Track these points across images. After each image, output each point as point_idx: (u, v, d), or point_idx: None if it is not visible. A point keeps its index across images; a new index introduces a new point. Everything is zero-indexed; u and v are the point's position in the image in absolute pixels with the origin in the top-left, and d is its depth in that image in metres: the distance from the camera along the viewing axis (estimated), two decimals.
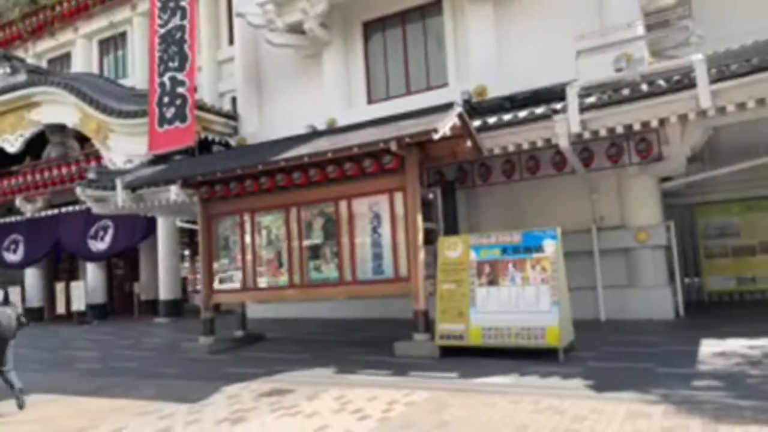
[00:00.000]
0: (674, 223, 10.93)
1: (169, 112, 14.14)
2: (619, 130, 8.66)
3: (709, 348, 7.14)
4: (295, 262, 9.34)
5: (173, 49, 14.35)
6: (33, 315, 20.03)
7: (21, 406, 6.57)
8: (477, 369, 6.74)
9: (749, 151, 10.45)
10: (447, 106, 8.37)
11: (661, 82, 8.34)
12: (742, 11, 11.11)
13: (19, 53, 21.90)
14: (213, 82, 17.22)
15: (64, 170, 18.41)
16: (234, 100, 16.30)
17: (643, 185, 10.49)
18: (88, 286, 18.67)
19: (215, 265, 10.19)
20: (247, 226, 9.87)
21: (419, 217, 8.30)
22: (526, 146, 9.36)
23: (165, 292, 17.23)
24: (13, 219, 20.26)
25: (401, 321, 9.98)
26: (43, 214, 19.51)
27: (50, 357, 10.89)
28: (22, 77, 18.24)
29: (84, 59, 21.31)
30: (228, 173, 9.23)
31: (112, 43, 21.24)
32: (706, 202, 13.03)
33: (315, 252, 9.23)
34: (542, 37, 11.26)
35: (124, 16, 20.06)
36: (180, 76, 14.11)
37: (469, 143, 8.76)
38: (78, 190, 14.04)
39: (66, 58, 22.36)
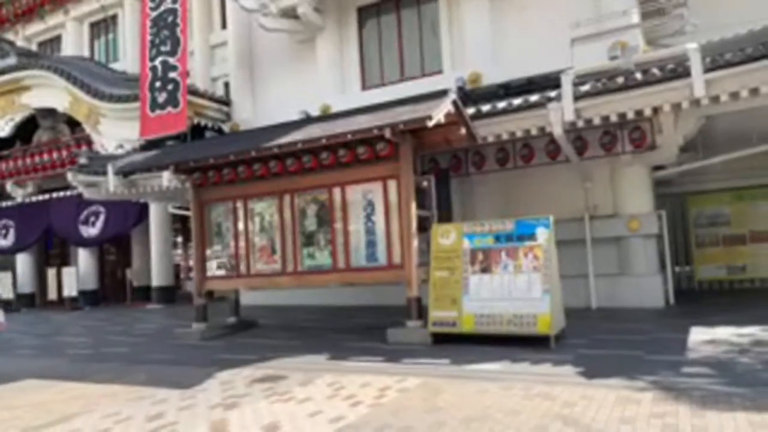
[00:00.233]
0: (666, 211, 11.00)
1: (161, 97, 14.01)
2: (613, 118, 8.68)
3: (699, 336, 7.22)
4: (288, 249, 9.33)
5: (165, 32, 14.18)
6: (24, 301, 20.01)
7: None
8: (469, 356, 6.79)
9: (742, 140, 10.49)
10: (441, 93, 8.33)
11: (656, 71, 8.34)
12: (737, 0, 11.08)
13: (9, 36, 21.56)
14: (205, 66, 17.04)
15: (54, 155, 18.26)
16: (227, 85, 16.18)
17: (636, 174, 10.53)
18: (79, 272, 18.60)
19: (208, 252, 10.16)
20: (240, 213, 9.83)
21: (413, 205, 8.30)
22: (520, 134, 9.36)
23: (157, 278, 17.21)
24: (3, 204, 20.12)
25: (394, 308, 10.02)
26: (33, 199, 19.38)
27: (42, 343, 10.87)
28: (11, 60, 17.99)
29: (74, 42, 21.02)
30: (221, 159, 9.18)
31: (103, 27, 20.96)
32: (697, 192, 13.11)
33: (308, 239, 9.22)
34: (537, 24, 11.22)
35: None
36: (172, 60, 13.96)
37: (463, 131, 8.75)
38: (69, 176, 13.93)
39: (56, 41, 22.06)
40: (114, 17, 20.40)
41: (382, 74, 13.36)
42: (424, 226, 8.70)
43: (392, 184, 8.51)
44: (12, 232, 19.88)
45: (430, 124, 7.51)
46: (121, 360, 8.41)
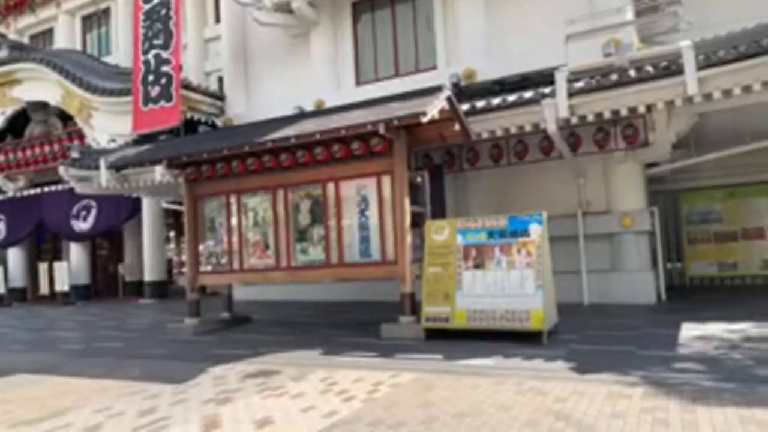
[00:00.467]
0: (658, 208, 11.07)
1: (154, 91, 13.94)
2: (607, 115, 8.71)
3: (690, 332, 7.27)
4: (281, 245, 9.32)
5: (158, 26, 14.09)
6: (16, 295, 19.89)
7: None
8: (462, 351, 6.81)
9: (734, 137, 10.56)
10: (436, 89, 8.33)
11: (649, 68, 8.36)
12: None
13: (0, 29, 21.36)
14: (199, 60, 16.93)
15: (46, 149, 18.12)
16: (220, 79, 16.10)
17: (629, 171, 10.57)
18: (71, 267, 18.48)
19: (201, 247, 10.13)
20: (234, 208, 9.80)
21: (407, 201, 8.29)
22: (514, 130, 9.38)
23: (150, 273, 17.13)
24: None
25: (388, 304, 10.03)
26: (25, 193, 19.23)
27: (34, 338, 10.81)
28: (3, 53, 17.84)
29: (66, 35, 20.85)
30: (214, 154, 9.14)
31: (96, 20, 20.79)
32: (690, 189, 13.20)
33: (302, 234, 9.20)
34: (532, 20, 11.23)
35: None
36: (165, 54, 13.88)
37: (457, 127, 8.75)
38: (61, 170, 13.83)
39: (48, 34, 21.88)
40: (106, 10, 20.24)
41: (376, 70, 13.33)
42: (417, 222, 8.70)
43: (386, 180, 8.50)
44: (3, 226, 19.74)
45: (425, 120, 7.51)
46: (114, 355, 8.38)
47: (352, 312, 11.23)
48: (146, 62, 14.14)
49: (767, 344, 6.35)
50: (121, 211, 17.09)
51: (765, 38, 7.58)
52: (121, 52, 19.10)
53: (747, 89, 7.78)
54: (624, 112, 8.58)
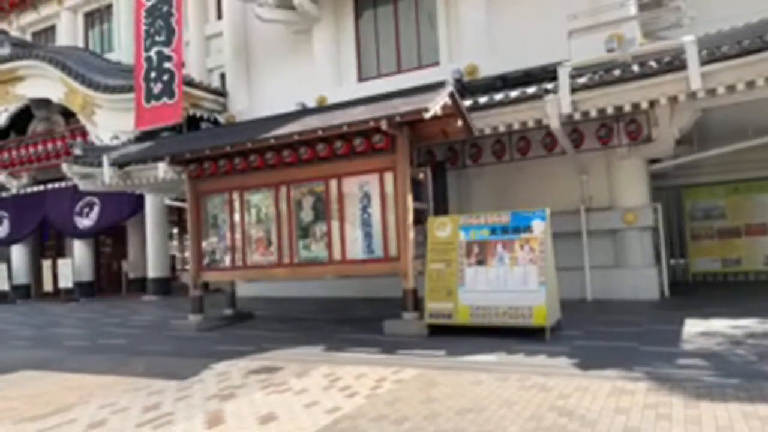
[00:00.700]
0: (661, 204, 11.03)
1: (157, 88, 13.94)
2: (610, 111, 8.68)
3: (693, 328, 7.27)
4: (284, 241, 9.33)
5: (160, 22, 14.08)
6: (20, 292, 19.96)
7: None
8: (464, 347, 6.82)
9: (737, 133, 10.52)
10: (438, 85, 8.31)
11: (652, 63, 8.34)
12: None
13: (2, 26, 21.40)
14: (201, 57, 16.93)
15: (49, 146, 18.16)
16: (223, 76, 16.08)
17: (632, 167, 10.54)
18: (75, 264, 18.55)
19: (204, 244, 10.15)
20: (236, 204, 9.81)
21: (409, 197, 8.29)
22: (517, 126, 9.36)
23: (153, 270, 17.17)
24: None
25: (390, 300, 10.04)
26: (29, 190, 19.28)
27: (38, 334, 10.85)
28: (5, 51, 17.83)
29: (69, 32, 20.86)
30: (217, 150, 9.14)
31: (98, 16, 20.80)
32: (693, 184, 13.16)
33: (304, 231, 9.21)
34: (535, 16, 11.18)
35: None
36: (167, 50, 13.88)
37: (460, 123, 8.73)
38: (64, 167, 13.87)
39: (51, 31, 21.89)
40: (108, 7, 20.24)
41: (378, 66, 13.31)
42: (420, 219, 8.70)
43: (389, 177, 8.50)
44: (7, 223, 19.79)
45: (427, 116, 7.49)
46: (118, 351, 8.41)
47: (355, 308, 11.24)
48: (148, 59, 14.14)
49: None
50: (123, 208, 17.13)
51: None
52: (123, 49, 19.11)
53: (750, 84, 7.75)
54: (627, 108, 8.55)
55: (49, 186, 18.58)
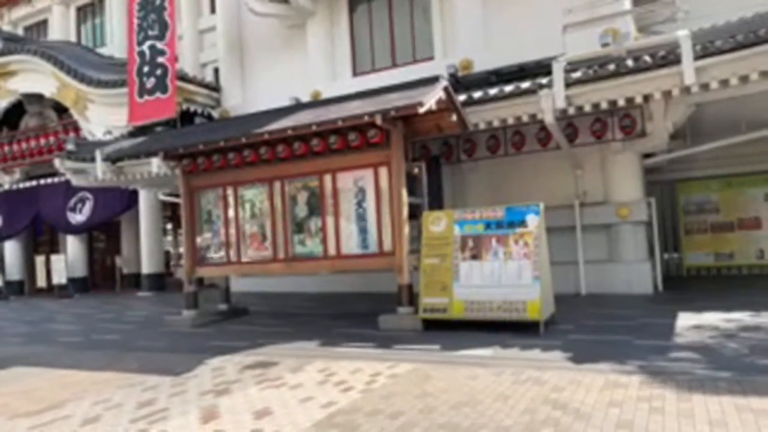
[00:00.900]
0: (655, 199, 11.07)
1: (150, 83, 13.86)
2: (604, 105, 8.69)
3: (686, 321, 7.30)
4: (279, 236, 9.31)
5: (152, 16, 13.99)
6: (13, 288, 19.87)
7: None
8: (459, 342, 6.83)
9: (731, 128, 10.56)
10: (433, 80, 8.30)
11: (647, 58, 8.34)
12: None
13: None
14: (194, 52, 16.84)
15: (42, 141, 18.06)
16: (216, 70, 16.01)
17: (626, 161, 10.56)
18: (68, 260, 18.48)
19: (198, 239, 10.12)
20: (231, 200, 9.78)
21: (404, 192, 8.29)
22: (511, 121, 9.36)
23: (148, 265, 17.12)
24: None
25: (385, 295, 10.05)
26: (21, 186, 19.16)
27: (31, 330, 10.81)
28: None
29: (61, 27, 20.70)
30: (211, 146, 9.10)
31: (90, 11, 20.64)
32: (687, 179, 13.22)
33: (299, 226, 9.19)
34: (529, 10, 11.17)
35: None
36: (160, 44, 13.79)
37: (454, 117, 8.72)
38: (57, 162, 13.79)
39: (43, 25, 21.72)
40: (101, 1, 20.09)
41: (373, 60, 13.27)
42: (414, 214, 8.70)
43: (383, 171, 8.48)
44: (0, 219, 19.68)
45: (422, 110, 7.48)
46: (112, 347, 8.39)
47: (350, 303, 11.25)
48: (141, 53, 14.05)
49: (763, 333, 6.39)
50: (117, 204, 17.05)
51: (762, 28, 7.56)
52: (116, 44, 18.99)
53: (744, 79, 7.77)
54: (621, 103, 8.57)
55: (42, 181, 18.47)
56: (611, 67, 8.54)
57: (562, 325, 7.50)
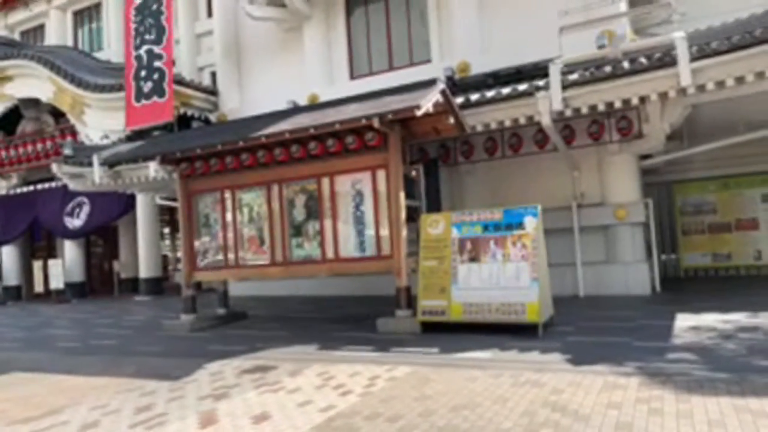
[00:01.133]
0: (653, 200, 11.09)
1: (147, 87, 13.85)
2: (601, 107, 8.70)
3: (684, 322, 7.31)
4: (277, 240, 9.29)
5: (149, 21, 13.99)
6: (11, 294, 19.81)
7: None
8: (458, 344, 6.83)
9: (727, 129, 10.58)
10: (430, 83, 8.31)
11: (643, 60, 8.37)
12: None
13: None
14: (191, 56, 16.83)
15: (39, 146, 18.02)
16: (213, 74, 16.01)
17: (623, 163, 10.58)
18: (66, 264, 18.43)
19: (196, 243, 10.10)
20: (228, 203, 9.77)
21: (402, 195, 8.29)
22: (508, 123, 9.37)
23: (145, 270, 17.08)
24: None
25: (383, 298, 10.04)
26: (18, 191, 19.12)
27: (29, 335, 10.78)
28: None
29: (58, 31, 20.70)
30: (208, 149, 9.09)
31: (87, 15, 20.64)
32: (684, 180, 13.24)
33: (297, 229, 9.19)
34: (526, 12, 11.20)
35: None
36: (157, 49, 13.80)
37: (451, 120, 8.73)
38: (54, 167, 13.76)
39: (39, 30, 21.71)
40: (98, 5, 20.09)
41: (370, 63, 13.29)
42: (412, 216, 8.70)
43: (381, 174, 8.48)
44: None
45: (419, 113, 7.49)
46: (110, 352, 8.36)
47: (348, 306, 11.23)
48: (138, 57, 14.05)
49: (760, 334, 6.40)
50: (114, 208, 17.01)
51: (758, 29, 7.59)
52: (113, 48, 18.99)
53: (740, 80, 7.79)
54: (618, 104, 8.58)
55: (39, 186, 18.44)
56: (608, 69, 8.56)
57: (561, 327, 7.50)
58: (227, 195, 9.77)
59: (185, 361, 7.12)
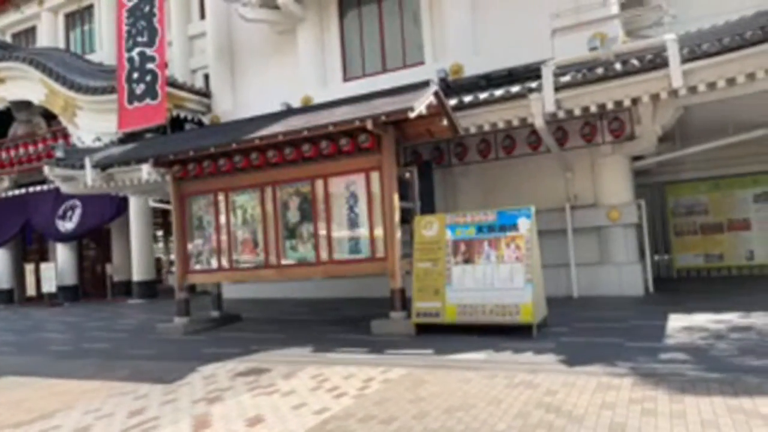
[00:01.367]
0: (645, 201, 11.15)
1: (139, 89, 13.80)
2: (593, 109, 8.75)
3: (677, 323, 7.34)
4: (270, 242, 9.27)
5: (142, 23, 13.95)
6: (3, 297, 19.67)
7: None
8: (452, 346, 6.83)
9: (718, 130, 10.66)
10: (423, 85, 8.32)
11: (635, 62, 8.42)
12: None
13: None
14: (184, 58, 16.80)
15: (30, 149, 17.93)
16: (206, 76, 15.98)
17: (616, 164, 10.63)
18: (58, 268, 18.31)
19: (190, 246, 10.06)
20: (222, 206, 9.74)
21: (396, 197, 8.29)
22: (501, 125, 9.41)
23: (138, 273, 17.00)
24: None
25: (378, 300, 10.04)
26: (10, 194, 19.00)
27: (21, 339, 10.70)
28: None
29: (49, 33, 20.60)
30: (201, 152, 9.06)
31: (79, 17, 20.55)
32: (676, 181, 13.32)
33: (291, 232, 9.17)
34: (518, 15, 11.24)
35: None
36: (149, 51, 13.75)
37: (445, 122, 8.74)
38: (46, 170, 13.69)
39: (31, 32, 21.61)
40: (89, 7, 20.02)
41: (363, 65, 13.29)
42: (406, 218, 8.70)
43: (375, 176, 8.49)
44: None
45: (412, 115, 7.49)
46: (102, 356, 8.31)
47: (343, 309, 11.22)
48: (131, 60, 14.00)
49: (753, 334, 6.44)
50: (107, 211, 16.94)
51: (748, 31, 7.66)
52: (105, 50, 18.92)
53: (731, 81, 7.85)
54: (610, 106, 8.63)
55: (31, 189, 18.34)
56: (600, 70, 8.60)
57: (555, 328, 7.52)
58: (221, 197, 9.75)
59: (178, 365, 7.09)
